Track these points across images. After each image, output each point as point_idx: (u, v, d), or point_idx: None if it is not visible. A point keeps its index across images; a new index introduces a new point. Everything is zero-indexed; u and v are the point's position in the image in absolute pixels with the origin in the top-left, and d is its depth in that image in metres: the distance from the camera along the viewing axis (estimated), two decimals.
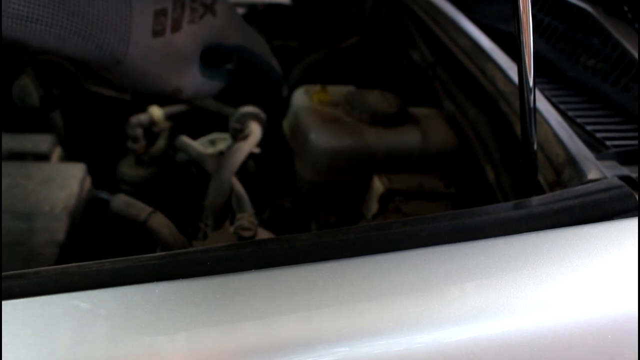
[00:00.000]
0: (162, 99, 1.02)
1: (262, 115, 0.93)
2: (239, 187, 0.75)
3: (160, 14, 0.55)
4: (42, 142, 0.97)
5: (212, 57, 0.63)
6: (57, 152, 0.98)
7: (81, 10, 0.51)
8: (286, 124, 0.94)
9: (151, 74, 0.57)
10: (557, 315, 0.44)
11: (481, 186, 0.79)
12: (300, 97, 0.92)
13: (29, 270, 0.47)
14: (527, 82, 0.55)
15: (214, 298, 0.43)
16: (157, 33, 0.55)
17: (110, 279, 0.45)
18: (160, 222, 0.69)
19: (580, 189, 0.55)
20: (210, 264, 0.46)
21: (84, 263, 0.48)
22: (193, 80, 0.60)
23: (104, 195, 0.84)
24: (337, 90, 0.94)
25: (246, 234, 0.63)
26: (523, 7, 0.51)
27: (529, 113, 0.57)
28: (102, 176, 1.00)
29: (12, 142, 0.96)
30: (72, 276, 0.46)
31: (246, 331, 0.41)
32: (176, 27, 0.56)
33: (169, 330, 0.41)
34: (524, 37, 0.54)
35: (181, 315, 0.42)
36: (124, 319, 0.43)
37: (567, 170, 0.60)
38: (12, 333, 0.41)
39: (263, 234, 0.69)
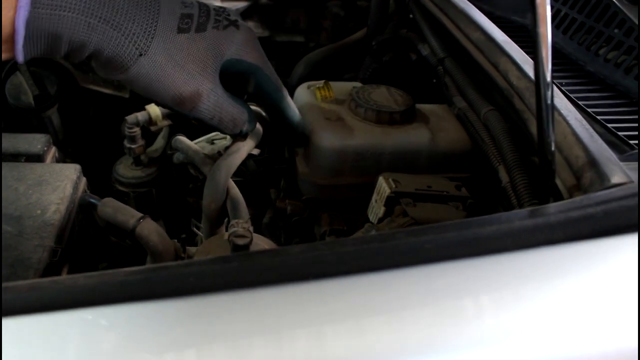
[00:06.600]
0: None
1: (263, 114, 0.88)
2: (235, 190, 0.71)
3: (186, 17, 0.58)
4: (36, 142, 0.94)
5: (230, 82, 0.62)
6: (52, 152, 0.95)
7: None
8: None
9: (170, 73, 0.57)
10: (581, 341, 0.40)
11: (494, 188, 0.74)
12: (303, 94, 0.87)
13: None
14: (544, 77, 0.50)
15: (191, 321, 0.39)
16: (182, 30, 0.58)
17: (84, 297, 0.42)
18: (150, 229, 0.65)
19: (602, 194, 0.50)
20: (193, 281, 0.42)
21: (57, 278, 0.44)
22: (213, 87, 0.60)
23: (93, 199, 0.79)
24: (342, 87, 0.89)
25: (240, 241, 0.59)
26: None
27: (546, 110, 0.52)
28: (100, 178, 0.96)
29: (5, 142, 0.93)
30: (43, 291, 0.43)
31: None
32: (201, 28, 0.59)
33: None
34: (541, 28, 0.49)
35: (158, 337, 0.38)
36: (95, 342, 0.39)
37: (587, 173, 0.55)
38: None
39: (260, 241, 0.65)
